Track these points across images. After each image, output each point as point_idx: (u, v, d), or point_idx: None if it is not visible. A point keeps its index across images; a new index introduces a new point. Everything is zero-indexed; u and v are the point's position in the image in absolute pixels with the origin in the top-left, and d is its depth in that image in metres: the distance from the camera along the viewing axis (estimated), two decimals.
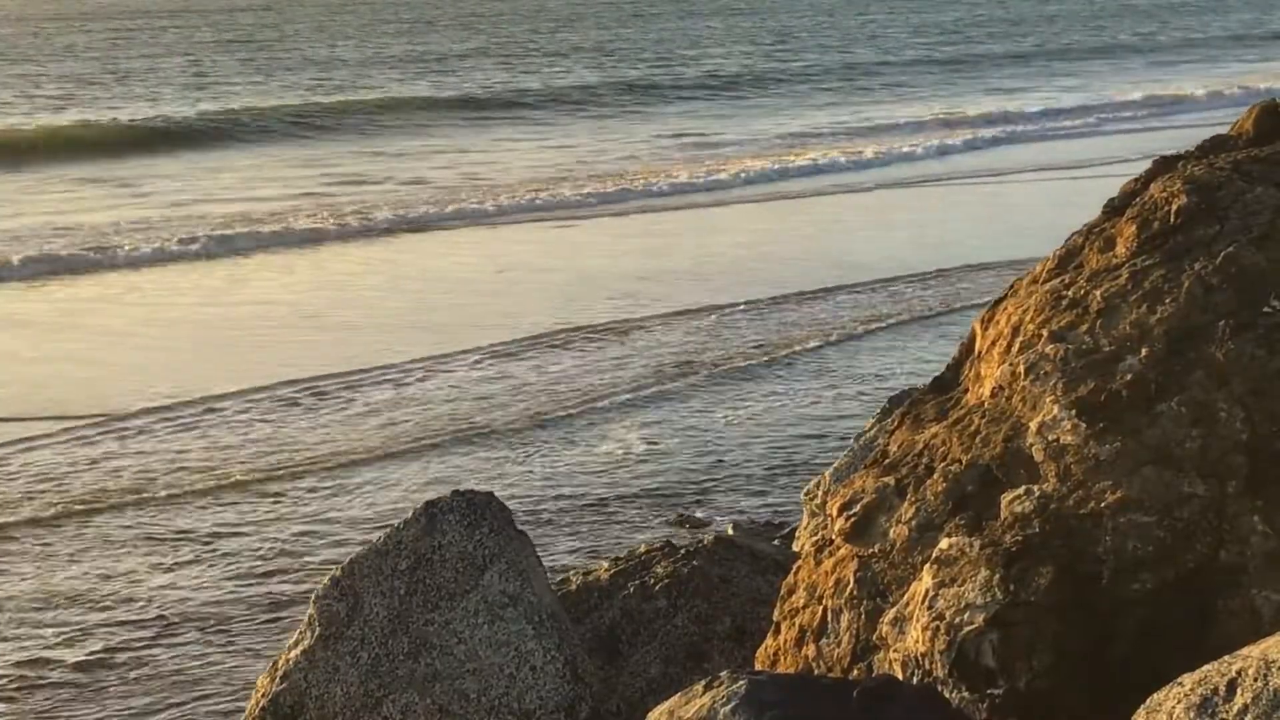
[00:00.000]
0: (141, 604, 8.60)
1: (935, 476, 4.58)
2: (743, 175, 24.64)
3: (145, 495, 10.29)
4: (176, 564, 9.16)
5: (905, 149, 27.17)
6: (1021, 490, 4.37)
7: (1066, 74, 41.42)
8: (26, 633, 8.28)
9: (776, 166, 25.39)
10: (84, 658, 7.94)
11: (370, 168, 26.55)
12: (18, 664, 7.92)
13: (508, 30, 60.87)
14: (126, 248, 18.98)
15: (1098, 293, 4.60)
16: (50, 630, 8.28)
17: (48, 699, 7.58)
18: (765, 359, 13.34)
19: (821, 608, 4.68)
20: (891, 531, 4.59)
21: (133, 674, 7.77)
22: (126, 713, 7.44)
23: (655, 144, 29.04)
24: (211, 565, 9.09)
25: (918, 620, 4.32)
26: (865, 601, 4.56)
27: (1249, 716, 3.27)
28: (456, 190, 23.61)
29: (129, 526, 9.77)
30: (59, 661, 7.93)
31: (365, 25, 64.06)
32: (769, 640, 4.92)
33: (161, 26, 64.10)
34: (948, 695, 4.19)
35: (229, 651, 7.96)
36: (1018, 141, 28.60)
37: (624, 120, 33.45)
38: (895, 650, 4.38)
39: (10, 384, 12.98)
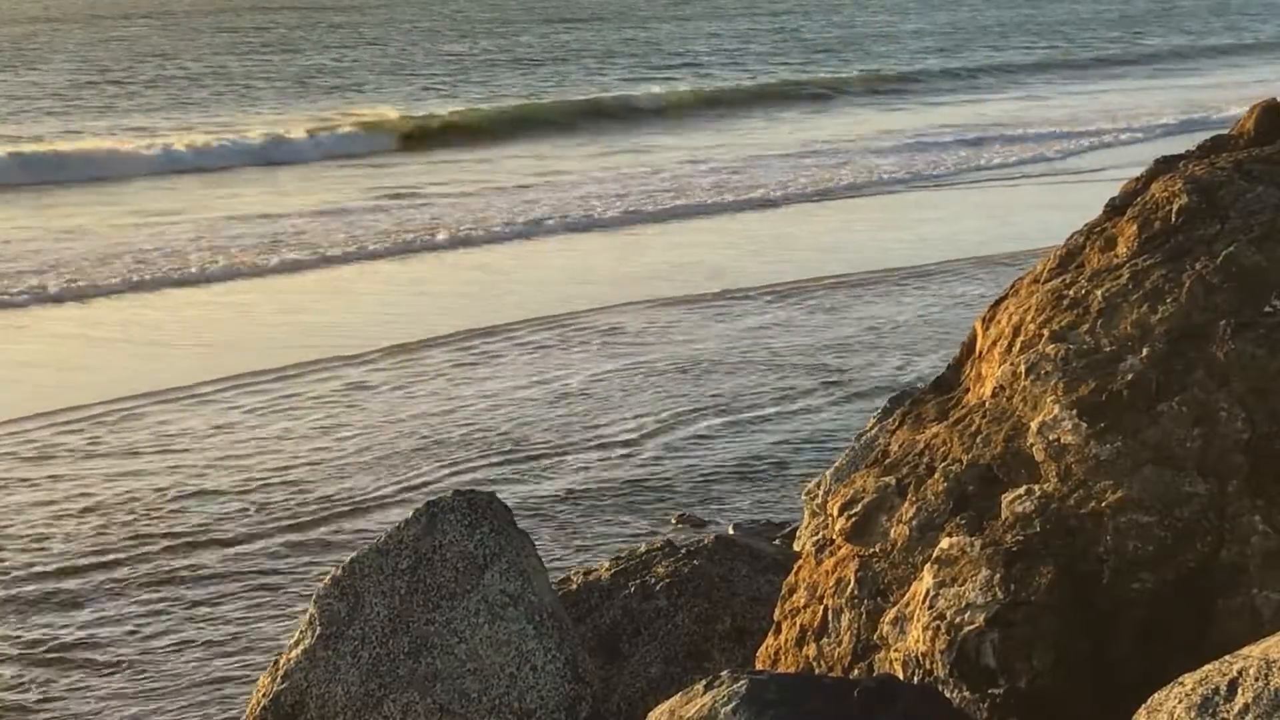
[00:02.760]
0: None
1: (936, 476, 4.58)
2: None
3: None
4: None
5: None
6: (1022, 490, 4.37)
7: None
8: None
9: None
10: None
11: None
12: None
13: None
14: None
15: (1099, 292, 4.60)
16: None
17: None
18: None
19: (822, 607, 4.68)
20: (892, 531, 4.59)
21: None
22: None
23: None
24: None
25: (918, 620, 4.32)
26: (866, 601, 4.56)
27: (1250, 716, 3.27)
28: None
29: None
30: None
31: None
32: (770, 639, 4.92)
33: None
34: (948, 695, 4.19)
35: None
36: None
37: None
38: (896, 650, 4.38)
39: None
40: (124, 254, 18.21)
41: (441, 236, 19.36)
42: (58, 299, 16.27)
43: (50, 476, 10.69)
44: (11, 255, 18.36)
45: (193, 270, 17.43)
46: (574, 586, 6.47)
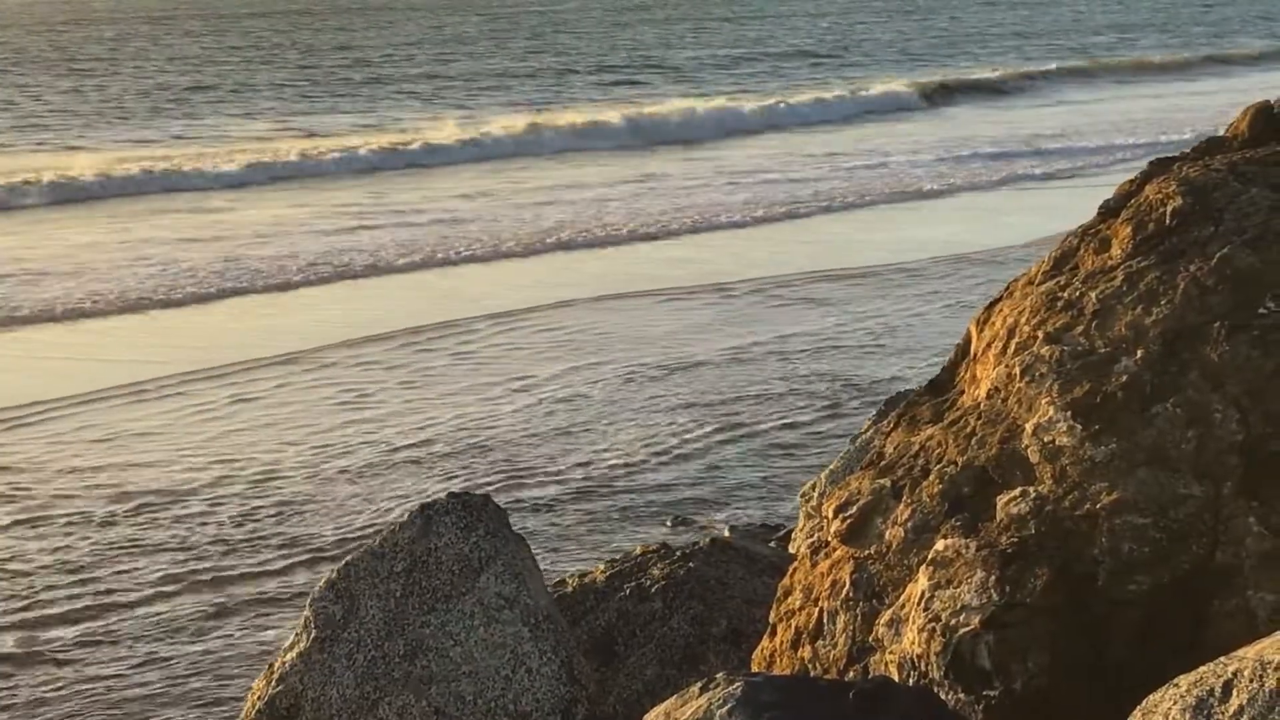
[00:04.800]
0: None
1: (931, 478, 4.58)
2: None
3: None
4: None
5: None
6: (1017, 492, 4.37)
7: None
8: None
9: None
10: None
11: None
12: None
13: None
14: None
15: (1093, 294, 4.60)
16: None
17: None
18: None
19: (818, 609, 4.68)
20: (887, 533, 4.59)
21: None
22: None
23: None
24: None
25: (913, 622, 4.32)
26: (861, 603, 4.56)
27: (1245, 718, 3.27)
28: None
29: None
30: None
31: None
32: (765, 642, 4.92)
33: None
34: (943, 697, 4.19)
35: None
36: None
37: None
38: (891, 652, 4.38)
39: None
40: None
41: None
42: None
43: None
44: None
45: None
46: (569, 589, 6.46)
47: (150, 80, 43.64)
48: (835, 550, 4.73)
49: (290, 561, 9.18)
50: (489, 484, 10.29)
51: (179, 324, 15.45)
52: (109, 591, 8.81)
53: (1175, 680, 3.48)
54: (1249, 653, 3.41)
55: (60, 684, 7.78)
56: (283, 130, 31.92)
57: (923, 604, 4.31)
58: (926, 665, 4.26)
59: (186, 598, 8.73)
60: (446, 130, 30.15)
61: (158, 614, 8.53)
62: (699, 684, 4.05)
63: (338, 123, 33.08)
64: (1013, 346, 4.69)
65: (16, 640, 8.24)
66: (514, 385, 12.76)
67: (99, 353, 14.26)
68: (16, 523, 9.91)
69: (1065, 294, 4.69)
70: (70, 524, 9.84)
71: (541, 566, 6.19)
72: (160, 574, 9.03)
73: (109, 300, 16.28)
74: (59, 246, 19.55)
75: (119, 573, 9.08)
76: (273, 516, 9.89)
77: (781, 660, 4.76)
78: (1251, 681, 3.31)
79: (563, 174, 25.54)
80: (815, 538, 4.91)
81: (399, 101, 37.56)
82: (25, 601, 8.71)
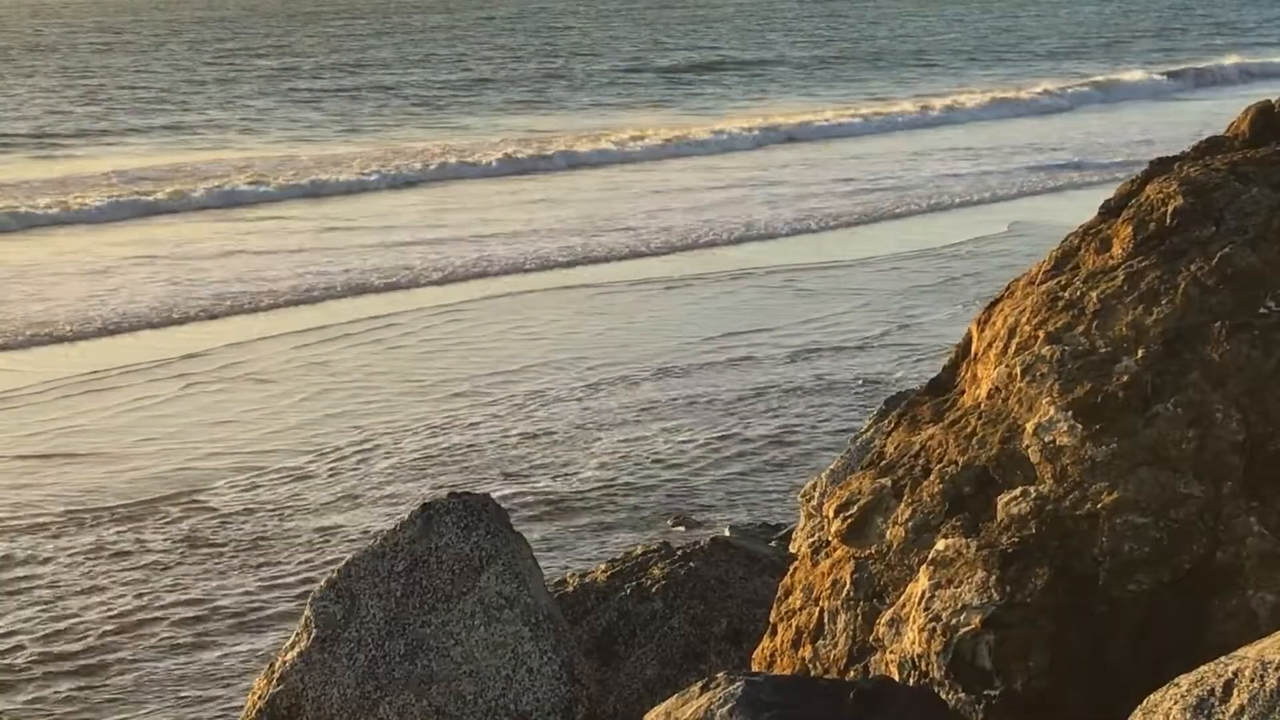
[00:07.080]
0: None
1: (932, 478, 4.58)
2: None
3: None
4: None
5: None
6: (1018, 491, 4.37)
7: None
8: None
9: None
10: None
11: None
12: None
13: None
14: None
15: (1094, 294, 4.60)
16: None
17: None
18: None
19: (818, 609, 4.68)
20: (888, 533, 4.59)
21: None
22: None
23: None
24: None
25: (914, 621, 4.32)
26: (862, 603, 4.56)
27: (1245, 717, 3.27)
28: None
29: None
30: None
31: None
32: (766, 641, 4.92)
33: None
34: (944, 696, 4.19)
35: None
36: None
37: None
38: (892, 651, 4.38)
39: None
40: None
41: None
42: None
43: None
44: None
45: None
46: (570, 589, 6.46)
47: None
48: (836, 550, 4.73)
49: (264, 562, 9.17)
50: (487, 484, 10.28)
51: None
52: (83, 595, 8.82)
53: (1176, 680, 3.48)
54: (1250, 652, 3.41)
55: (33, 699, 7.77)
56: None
57: (923, 604, 4.31)
58: (927, 665, 4.26)
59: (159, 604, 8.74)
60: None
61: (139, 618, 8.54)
62: (700, 683, 4.05)
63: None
64: (1013, 346, 4.69)
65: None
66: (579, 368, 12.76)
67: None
68: None
69: (1066, 294, 4.68)
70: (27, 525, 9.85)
71: (541, 566, 6.18)
72: (124, 578, 9.03)
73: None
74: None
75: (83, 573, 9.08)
76: (253, 516, 9.89)
77: (782, 660, 4.76)
78: (1252, 681, 3.31)
79: None
80: (816, 537, 4.91)
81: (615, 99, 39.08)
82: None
